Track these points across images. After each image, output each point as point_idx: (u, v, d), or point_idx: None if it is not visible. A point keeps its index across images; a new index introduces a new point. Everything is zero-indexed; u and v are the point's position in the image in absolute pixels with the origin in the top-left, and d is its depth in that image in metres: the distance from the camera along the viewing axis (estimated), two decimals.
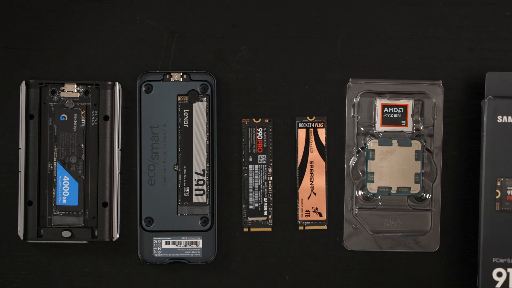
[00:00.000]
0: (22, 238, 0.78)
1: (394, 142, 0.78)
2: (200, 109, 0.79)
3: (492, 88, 0.67)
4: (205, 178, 0.79)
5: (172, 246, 0.79)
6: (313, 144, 0.79)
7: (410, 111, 0.79)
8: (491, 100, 0.65)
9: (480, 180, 0.66)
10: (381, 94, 0.79)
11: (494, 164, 0.65)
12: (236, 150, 0.80)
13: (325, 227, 0.79)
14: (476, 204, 0.79)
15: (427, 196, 0.79)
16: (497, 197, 0.65)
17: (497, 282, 0.65)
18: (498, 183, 0.65)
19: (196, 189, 0.78)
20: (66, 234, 0.78)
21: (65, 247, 0.79)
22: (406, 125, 0.79)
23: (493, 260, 0.64)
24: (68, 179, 0.78)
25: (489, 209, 0.65)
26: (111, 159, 0.78)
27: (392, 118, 0.79)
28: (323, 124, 0.79)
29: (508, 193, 0.65)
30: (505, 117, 0.66)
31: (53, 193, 0.78)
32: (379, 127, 0.79)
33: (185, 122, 0.79)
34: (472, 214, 0.79)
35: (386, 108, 0.79)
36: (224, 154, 0.80)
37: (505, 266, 0.64)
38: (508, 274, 0.64)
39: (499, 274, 0.64)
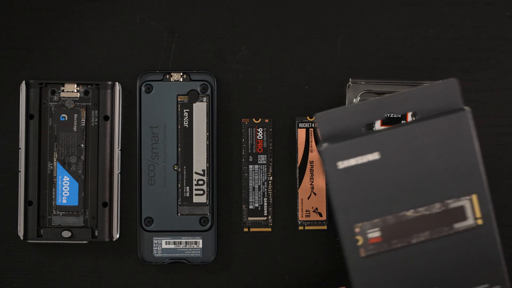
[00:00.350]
0: (22, 238, 0.78)
1: None
2: (200, 109, 0.79)
3: (325, 130, 0.63)
4: (205, 178, 0.79)
5: (172, 246, 0.79)
6: (313, 144, 0.79)
7: None
8: (327, 148, 0.62)
9: (338, 231, 0.63)
10: (381, 94, 0.79)
11: (347, 211, 0.62)
12: (236, 150, 0.80)
13: (325, 227, 0.79)
14: None
15: None
16: (358, 244, 0.63)
17: None
18: (357, 230, 0.62)
19: (196, 189, 0.79)
20: (66, 234, 0.78)
21: (65, 247, 0.79)
22: None
23: None
24: (68, 179, 0.78)
25: (354, 258, 0.62)
26: (111, 159, 0.78)
27: (392, 118, 0.79)
28: None
29: (369, 236, 0.63)
30: (345, 161, 0.62)
31: (53, 193, 0.78)
32: (379, 127, 0.79)
33: (185, 122, 0.79)
34: None
35: None
36: (224, 154, 0.80)
37: None
38: None
39: None
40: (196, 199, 0.79)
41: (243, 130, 0.79)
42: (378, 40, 0.79)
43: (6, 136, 0.79)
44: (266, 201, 0.79)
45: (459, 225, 0.62)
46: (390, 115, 0.79)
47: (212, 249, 0.79)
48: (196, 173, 0.79)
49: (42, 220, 0.78)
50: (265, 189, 0.79)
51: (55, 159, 0.78)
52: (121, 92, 0.79)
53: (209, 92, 0.79)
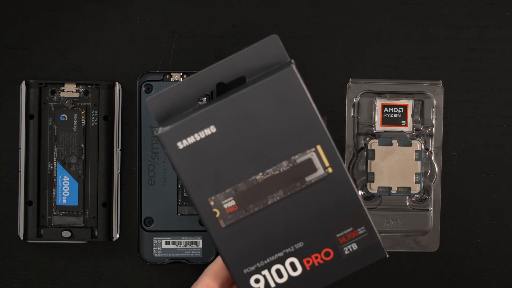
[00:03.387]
0: (22, 238, 0.78)
1: (394, 142, 0.78)
2: None
3: (159, 114, 0.63)
4: None
5: (172, 246, 0.79)
6: None
7: (410, 111, 0.79)
8: (163, 132, 0.62)
9: (195, 209, 0.64)
10: (381, 94, 0.79)
11: (199, 187, 0.63)
12: None
13: None
14: (477, 203, 0.80)
15: (427, 196, 0.79)
16: (217, 216, 0.64)
17: None
18: (211, 203, 0.63)
19: None
20: (66, 234, 0.78)
21: (65, 247, 0.79)
22: (406, 125, 0.79)
23: (245, 272, 0.64)
24: (68, 179, 0.78)
25: (216, 231, 0.64)
26: (111, 159, 0.78)
27: (392, 118, 0.79)
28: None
29: (225, 207, 0.64)
30: (184, 141, 0.62)
31: (53, 193, 0.78)
32: (379, 127, 0.79)
33: None
34: (472, 214, 0.80)
35: (386, 108, 0.79)
36: None
37: (258, 271, 0.64)
38: (264, 276, 0.64)
39: (257, 281, 0.64)
40: None
41: None
42: (378, 40, 0.79)
43: (6, 136, 0.79)
44: None
45: (310, 178, 0.63)
46: (389, 115, 0.79)
47: (212, 249, 0.79)
48: None
49: (42, 220, 0.78)
50: None
51: (55, 159, 0.78)
52: (121, 92, 0.79)
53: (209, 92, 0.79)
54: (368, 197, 0.79)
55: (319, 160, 0.63)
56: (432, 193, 0.79)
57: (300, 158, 0.63)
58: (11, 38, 0.79)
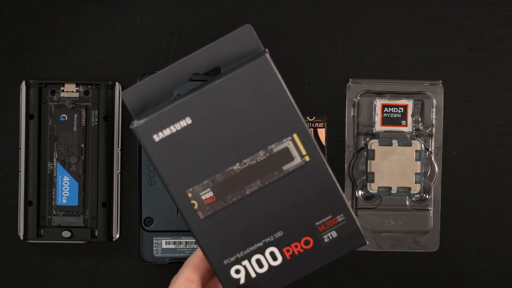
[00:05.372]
0: (22, 238, 0.78)
1: (394, 142, 0.78)
2: None
3: (135, 107, 0.63)
4: None
5: (172, 246, 0.79)
6: None
7: (410, 111, 0.79)
8: (139, 125, 0.62)
9: (173, 201, 0.63)
10: (381, 94, 0.79)
11: (176, 179, 0.63)
12: None
13: None
14: (477, 203, 0.80)
15: (427, 196, 0.79)
16: (195, 208, 0.64)
17: (239, 279, 0.64)
18: (189, 195, 0.63)
19: None
20: (66, 234, 0.78)
21: (65, 247, 0.80)
22: (406, 125, 0.79)
23: (225, 263, 0.64)
24: (68, 179, 0.78)
25: (195, 222, 0.64)
26: (111, 159, 0.78)
27: (392, 118, 0.79)
28: (323, 124, 0.79)
29: (203, 198, 0.64)
30: (159, 133, 0.62)
31: (53, 193, 0.78)
32: (379, 127, 0.79)
33: None
34: (472, 214, 0.80)
35: (386, 108, 0.79)
36: None
37: (238, 261, 0.64)
38: (244, 266, 0.64)
39: (237, 271, 0.64)
40: None
41: None
42: (378, 40, 0.79)
43: (6, 136, 0.79)
44: None
45: (288, 166, 0.63)
46: (389, 115, 0.79)
47: None
48: None
49: (42, 220, 0.78)
50: None
51: (55, 159, 0.78)
52: (121, 92, 0.79)
53: None
54: (368, 197, 0.79)
55: (295, 148, 0.63)
56: (432, 193, 0.79)
57: (276, 147, 0.63)
58: (11, 38, 0.79)
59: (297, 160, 0.63)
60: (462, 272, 0.80)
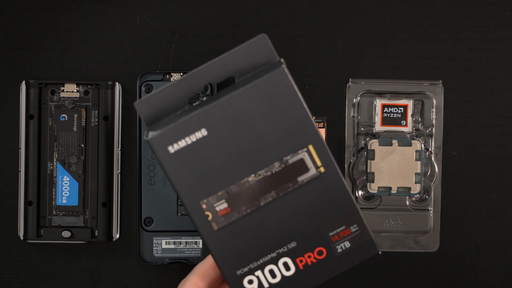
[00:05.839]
0: (22, 238, 0.78)
1: (394, 142, 0.78)
2: None
3: (148, 117, 0.62)
4: None
5: (172, 246, 0.79)
6: None
7: (410, 111, 0.79)
8: (154, 136, 0.61)
9: (187, 212, 0.62)
10: (381, 94, 0.79)
11: (190, 190, 0.62)
12: None
13: None
14: (477, 203, 0.80)
15: (427, 196, 0.79)
16: (209, 219, 0.63)
17: None
18: (204, 206, 0.62)
19: None
20: (66, 234, 0.78)
21: (65, 247, 0.79)
22: (406, 125, 0.79)
23: (238, 273, 0.63)
24: (68, 179, 0.78)
25: (209, 234, 0.63)
26: (111, 159, 0.78)
27: (392, 118, 0.79)
28: (323, 124, 0.79)
29: (218, 209, 0.63)
30: (175, 145, 0.61)
31: (53, 193, 0.78)
32: (379, 127, 0.79)
33: None
34: (472, 214, 0.80)
35: (386, 108, 0.79)
36: None
37: (251, 272, 0.63)
38: (257, 277, 0.64)
39: (250, 282, 0.64)
40: None
41: None
42: (378, 40, 0.79)
43: (6, 136, 0.79)
44: None
45: (303, 178, 0.63)
46: (389, 115, 0.79)
47: None
48: None
49: (42, 220, 0.78)
50: None
51: (55, 159, 0.78)
52: (121, 92, 0.79)
53: (209, 92, 0.79)
54: (368, 197, 0.79)
55: (311, 160, 0.63)
56: (432, 193, 0.79)
57: (292, 159, 0.63)
58: (11, 38, 0.79)
59: (312, 171, 0.63)
60: (462, 272, 0.80)
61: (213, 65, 0.63)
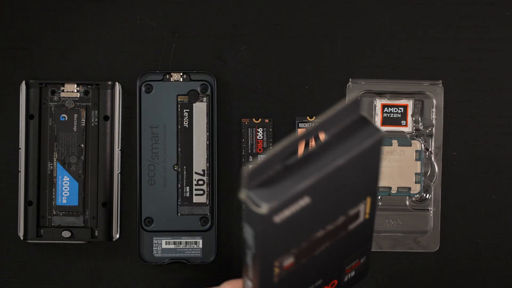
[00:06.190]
0: (22, 238, 0.78)
1: (394, 142, 0.78)
2: (200, 109, 0.79)
3: (254, 183, 0.56)
4: (205, 178, 0.79)
5: (172, 246, 0.79)
6: (313, 144, 0.79)
7: (410, 111, 0.79)
8: (268, 211, 0.55)
9: (255, 265, 0.59)
10: (381, 94, 0.79)
11: (270, 252, 0.58)
12: (236, 150, 0.80)
13: None
14: (477, 203, 0.80)
15: (427, 196, 0.79)
16: (275, 273, 0.60)
17: None
18: (277, 263, 0.59)
19: (196, 189, 0.79)
20: (66, 234, 0.78)
21: (65, 247, 0.79)
22: (406, 125, 0.79)
23: None
24: (68, 179, 0.78)
25: (268, 284, 0.60)
26: (111, 159, 0.78)
27: (392, 118, 0.79)
28: None
29: (284, 264, 0.59)
30: (281, 215, 0.56)
31: (53, 193, 0.78)
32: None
33: (185, 122, 0.79)
34: (472, 214, 0.80)
35: (386, 108, 0.79)
36: (224, 154, 0.80)
37: None
38: None
39: None
40: (196, 199, 0.79)
41: (243, 130, 0.79)
42: (378, 40, 0.79)
43: (6, 136, 0.79)
44: None
45: (352, 225, 0.62)
46: (389, 115, 0.79)
47: (212, 249, 0.79)
48: (196, 173, 0.79)
49: (42, 220, 0.78)
50: None
51: (55, 159, 0.78)
52: (121, 92, 0.79)
53: (209, 92, 0.79)
54: None
55: (363, 210, 0.61)
56: (432, 193, 0.79)
57: (352, 211, 0.61)
58: (11, 38, 0.79)
59: (361, 219, 0.61)
60: (462, 272, 0.80)
61: (310, 132, 0.58)
